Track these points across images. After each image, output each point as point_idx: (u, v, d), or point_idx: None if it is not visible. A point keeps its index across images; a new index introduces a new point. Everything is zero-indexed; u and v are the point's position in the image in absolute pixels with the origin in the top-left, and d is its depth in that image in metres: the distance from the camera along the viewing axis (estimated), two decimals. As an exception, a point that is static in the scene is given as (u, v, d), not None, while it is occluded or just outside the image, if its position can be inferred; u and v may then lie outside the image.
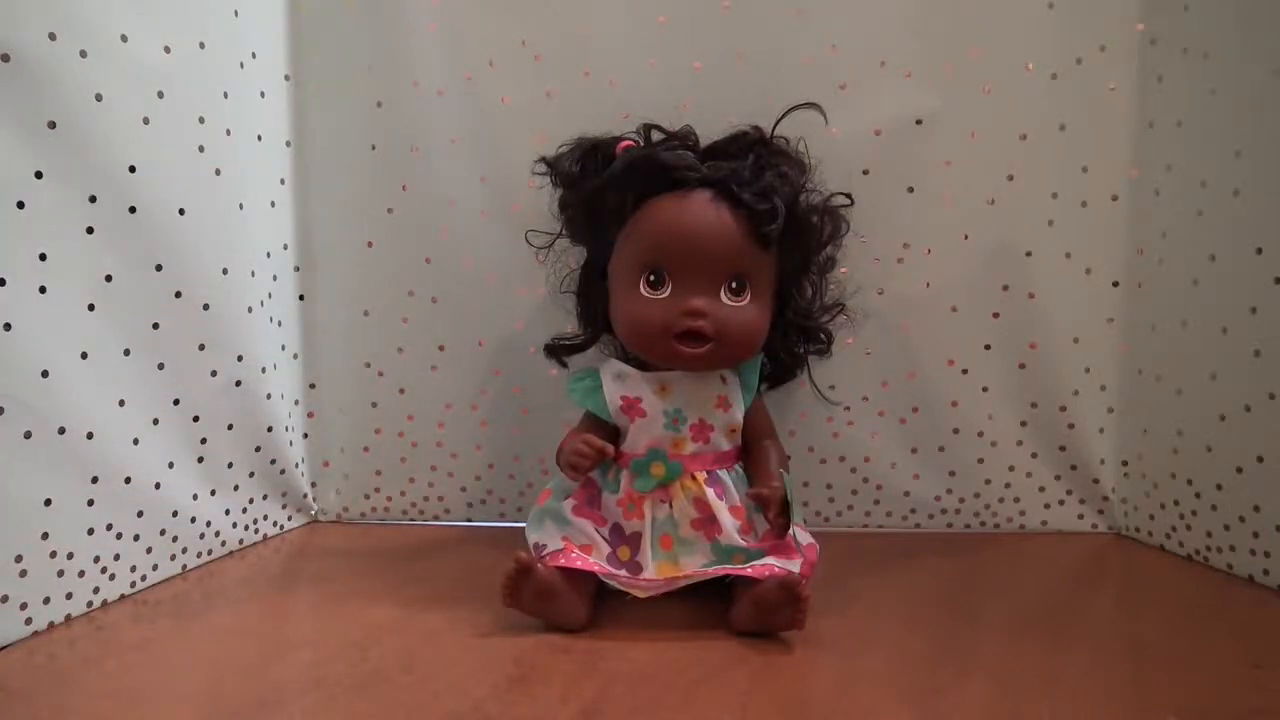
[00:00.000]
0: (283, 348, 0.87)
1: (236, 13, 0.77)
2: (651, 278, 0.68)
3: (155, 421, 0.71)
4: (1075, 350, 0.88)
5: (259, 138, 0.81)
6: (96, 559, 0.66)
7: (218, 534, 0.79)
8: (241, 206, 0.78)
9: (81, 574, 0.64)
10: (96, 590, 0.66)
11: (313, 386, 0.91)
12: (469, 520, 0.93)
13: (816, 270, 0.75)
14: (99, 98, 0.64)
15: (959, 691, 0.54)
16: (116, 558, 0.67)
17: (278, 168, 0.86)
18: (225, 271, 0.76)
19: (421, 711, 0.50)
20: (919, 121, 0.85)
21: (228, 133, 0.76)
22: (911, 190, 0.86)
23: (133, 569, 0.69)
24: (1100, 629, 0.68)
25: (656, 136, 0.72)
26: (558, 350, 0.78)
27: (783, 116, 0.72)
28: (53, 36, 0.60)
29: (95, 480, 0.65)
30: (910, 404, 0.89)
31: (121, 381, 0.68)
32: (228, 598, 0.70)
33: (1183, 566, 0.79)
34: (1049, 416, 0.89)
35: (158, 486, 0.71)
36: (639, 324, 0.69)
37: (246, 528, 0.83)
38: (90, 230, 0.65)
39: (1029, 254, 0.87)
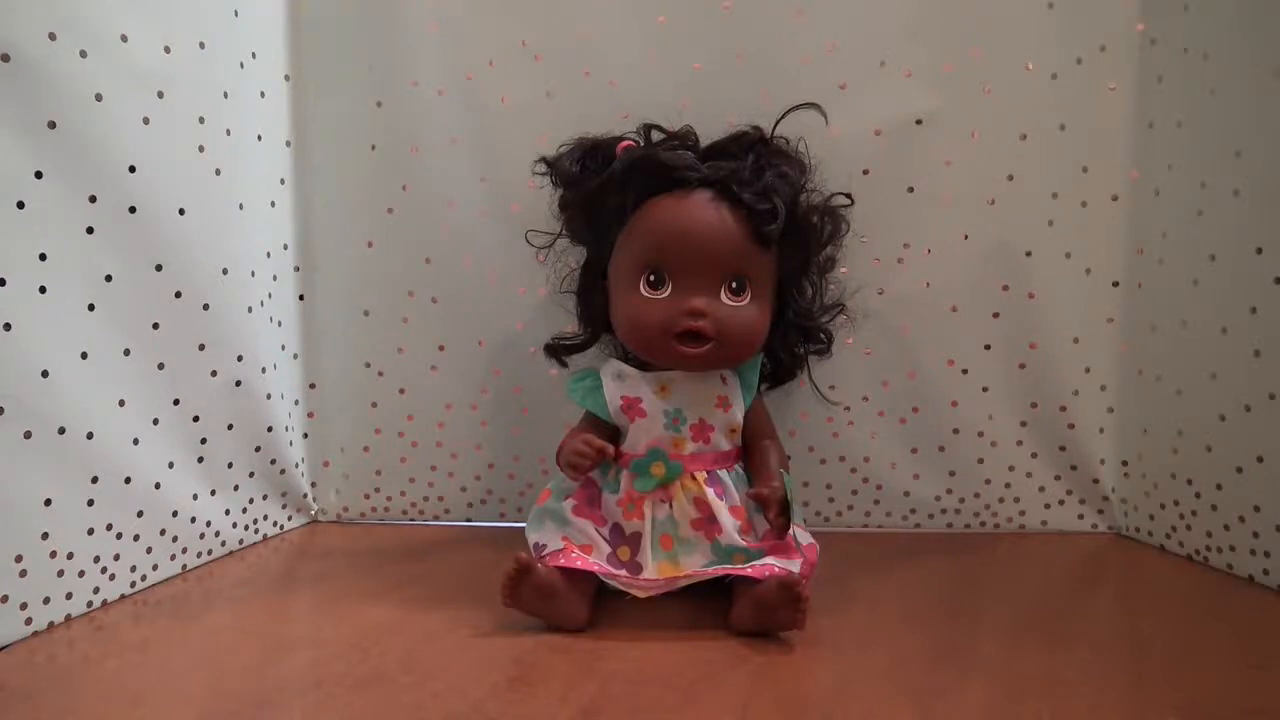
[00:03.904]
0: (283, 348, 0.87)
1: (236, 13, 0.77)
2: (652, 278, 0.68)
3: (155, 421, 0.71)
4: (1075, 350, 0.88)
5: (259, 138, 0.81)
6: (96, 559, 0.66)
7: (218, 534, 0.79)
8: (241, 206, 0.78)
9: (81, 574, 0.64)
10: (96, 590, 0.66)
11: (313, 386, 0.91)
12: (469, 520, 0.93)
13: (817, 270, 0.75)
14: (99, 98, 0.64)
15: (959, 691, 0.54)
16: (116, 558, 0.67)
17: (278, 168, 0.86)
18: (225, 271, 0.76)
19: (421, 711, 0.50)
20: (919, 121, 0.85)
21: (228, 133, 0.76)
22: (911, 190, 0.86)
23: (133, 569, 0.69)
24: (1100, 629, 0.68)
25: (656, 136, 0.72)
26: (558, 350, 0.78)
27: (783, 116, 0.72)
28: (53, 36, 0.60)
29: (95, 480, 0.65)
30: (910, 404, 0.89)
31: (121, 381, 0.68)
32: (228, 598, 0.70)
33: (1183, 566, 0.79)
34: (1049, 416, 0.89)
35: (158, 486, 0.71)
36: (639, 324, 0.69)
37: (246, 528, 0.83)
38: (90, 230, 0.65)
39: (1029, 254, 0.87)
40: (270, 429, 0.83)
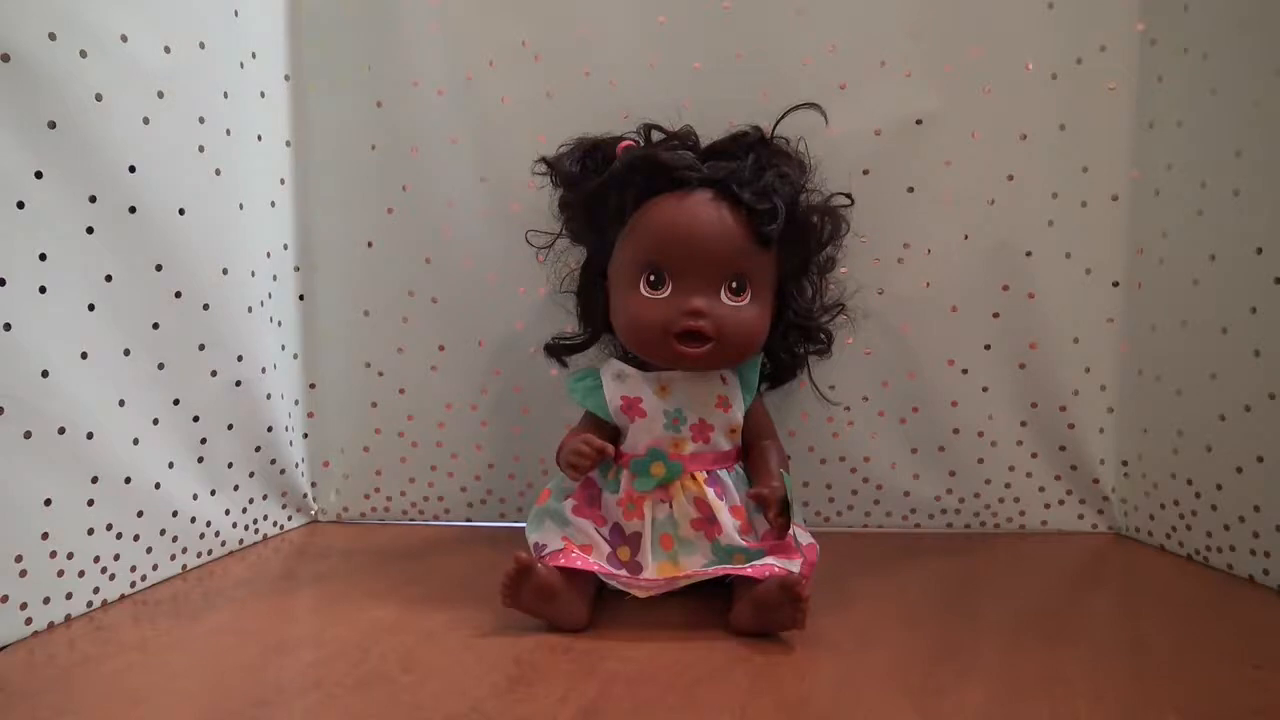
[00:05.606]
0: (283, 348, 0.87)
1: (236, 13, 0.77)
2: (652, 278, 0.68)
3: (155, 421, 0.71)
4: (1075, 350, 0.88)
5: (259, 138, 0.81)
6: (96, 559, 0.66)
7: (218, 534, 0.79)
8: (241, 206, 0.78)
9: (81, 574, 0.64)
10: (96, 590, 0.66)
11: (313, 386, 0.91)
12: (469, 520, 0.93)
13: (816, 270, 0.75)
14: (99, 98, 0.64)
15: (959, 691, 0.54)
16: (116, 558, 0.67)
17: (278, 168, 0.86)
18: (225, 271, 0.76)
19: (421, 711, 0.50)
20: (919, 121, 0.85)
21: (228, 133, 0.76)
22: (911, 190, 0.86)
23: (133, 569, 0.69)
24: (1100, 629, 0.67)
25: (656, 136, 0.73)
26: (558, 350, 0.78)
27: (783, 117, 0.72)
28: (53, 36, 0.60)
29: (95, 480, 0.65)
30: (910, 404, 0.89)
31: (121, 381, 0.68)
32: (228, 598, 0.70)
33: (1183, 566, 0.79)
34: (1049, 416, 0.89)
35: (158, 486, 0.71)
36: (639, 324, 0.69)
37: (246, 528, 0.83)
38: (90, 230, 0.65)
39: (1029, 254, 0.87)
40: (270, 429, 0.83)
